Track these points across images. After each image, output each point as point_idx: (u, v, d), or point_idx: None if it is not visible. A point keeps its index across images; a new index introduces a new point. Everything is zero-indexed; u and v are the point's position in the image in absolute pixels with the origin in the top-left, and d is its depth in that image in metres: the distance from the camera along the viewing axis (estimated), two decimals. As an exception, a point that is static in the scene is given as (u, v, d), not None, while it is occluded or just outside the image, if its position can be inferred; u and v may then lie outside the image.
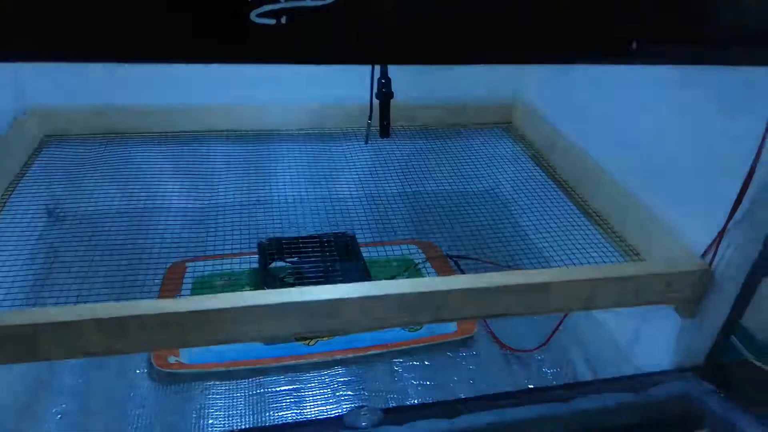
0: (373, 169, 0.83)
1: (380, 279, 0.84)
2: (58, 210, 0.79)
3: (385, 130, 0.73)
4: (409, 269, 0.92)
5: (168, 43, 0.36)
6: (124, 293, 0.82)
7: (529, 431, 0.58)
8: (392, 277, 0.87)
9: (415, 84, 0.99)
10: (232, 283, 0.86)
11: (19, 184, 0.75)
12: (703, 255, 0.65)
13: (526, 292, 0.60)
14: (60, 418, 0.65)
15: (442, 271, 0.91)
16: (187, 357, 0.73)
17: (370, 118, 0.75)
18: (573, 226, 0.77)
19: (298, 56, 0.39)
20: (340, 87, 0.95)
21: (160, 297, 0.78)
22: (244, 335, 0.54)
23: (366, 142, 0.78)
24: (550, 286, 0.60)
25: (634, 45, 0.43)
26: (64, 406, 0.67)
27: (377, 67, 0.69)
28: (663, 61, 0.47)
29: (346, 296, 0.56)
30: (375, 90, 0.70)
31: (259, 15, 0.37)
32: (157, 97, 0.92)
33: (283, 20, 0.37)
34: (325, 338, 0.78)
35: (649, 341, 0.77)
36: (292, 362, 0.74)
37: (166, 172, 0.83)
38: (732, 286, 0.63)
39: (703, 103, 0.66)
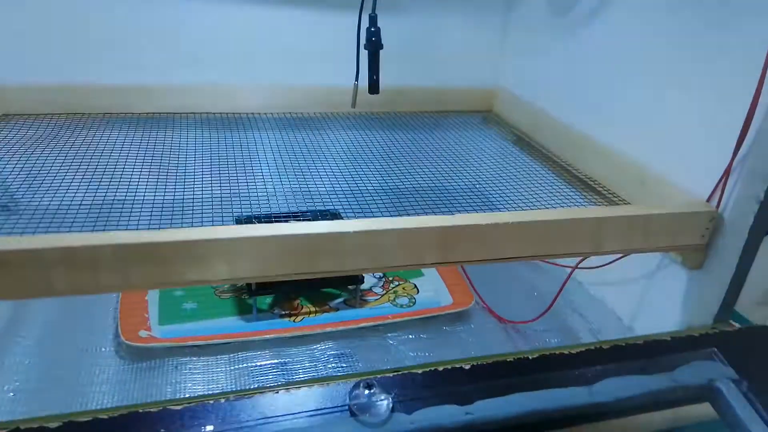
0: (355, 152, 0.79)
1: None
2: (11, 203, 0.71)
3: (374, 87, 0.70)
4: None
5: None
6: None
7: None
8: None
9: (398, 73, 0.98)
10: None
11: None
12: (708, 200, 0.63)
13: (535, 231, 0.56)
14: (13, 395, 0.57)
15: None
16: (159, 331, 0.66)
17: (356, 78, 0.72)
18: (561, 191, 0.74)
19: None
20: (320, 71, 0.94)
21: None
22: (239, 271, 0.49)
23: (353, 106, 0.74)
24: (560, 223, 0.57)
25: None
26: (17, 384, 0.58)
27: (364, 17, 0.67)
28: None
29: (346, 230, 0.51)
30: (363, 42, 0.67)
31: None
32: (124, 76, 0.88)
33: None
34: (311, 315, 0.72)
35: (653, 308, 0.74)
36: (277, 335, 0.67)
37: (132, 156, 0.76)
38: (741, 230, 0.61)
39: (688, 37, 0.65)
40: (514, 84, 1.01)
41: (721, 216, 0.62)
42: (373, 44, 0.67)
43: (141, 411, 0.46)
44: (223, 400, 0.49)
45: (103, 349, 0.64)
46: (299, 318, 0.71)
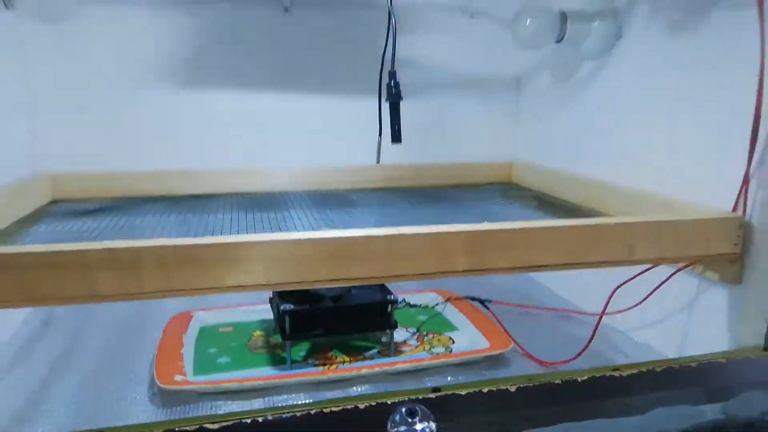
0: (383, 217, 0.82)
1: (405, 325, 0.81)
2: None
3: (396, 136, 0.75)
4: (429, 311, 0.88)
5: None
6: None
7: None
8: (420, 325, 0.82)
9: (421, 151, 1.04)
10: (240, 330, 0.80)
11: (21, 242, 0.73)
12: (734, 210, 0.63)
13: (565, 237, 0.57)
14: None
15: (464, 308, 0.86)
16: (193, 374, 0.65)
17: (380, 134, 0.77)
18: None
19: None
20: (345, 151, 1.00)
21: (161, 343, 0.72)
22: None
23: (378, 161, 0.78)
24: (586, 230, 0.58)
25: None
26: (49, 428, 0.57)
27: (384, 74, 0.73)
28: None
29: (374, 234, 0.52)
30: (384, 94, 0.73)
31: None
32: (163, 162, 0.95)
33: None
34: (346, 362, 0.71)
35: (701, 339, 0.71)
36: (311, 378, 0.66)
37: (168, 232, 0.80)
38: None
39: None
40: (530, 153, 1.06)
41: (750, 223, 0.62)
42: (394, 96, 0.72)
43: (177, 429, 0.45)
44: (260, 419, 0.47)
45: (137, 397, 0.63)
46: (334, 366, 0.70)
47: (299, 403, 0.58)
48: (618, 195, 0.80)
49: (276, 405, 0.63)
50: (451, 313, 0.86)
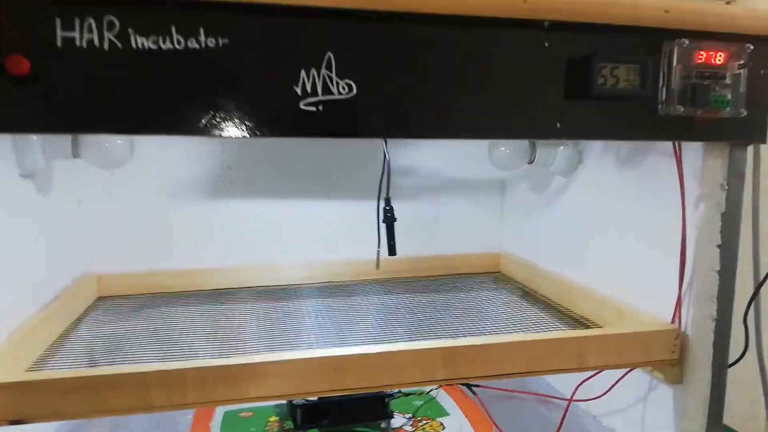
0: (383, 311, 0.95)
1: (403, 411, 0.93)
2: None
3: (392, 249, 0.89)
4: (424, 396, 0.99)
5: (255, 124, 0.55)
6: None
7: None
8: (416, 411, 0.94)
9: (414, 244, 1.18)
10: (258, 415, 0.92)
11: (68, 338, 0.86)
12: (672, 321, 0.76)
13: (526, 350, 0.70)
14: None
15: (454, 393, 0.98)
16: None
17: (378, 245, 0.91)
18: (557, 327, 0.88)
19: (330, 132, 0.58)
20: (350, 247, 1.14)
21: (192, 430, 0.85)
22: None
23: (377, 267, 0.92)
24: (544, 344, 0.70)
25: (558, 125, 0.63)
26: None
27: (382, 201, 0.88)
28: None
29: (366, 352, 0.66)
30: (381, 216, 0.88)
31: (306, 104, 0.56)
32: (191, 262, 1.09)
33: (321, 108, 0.56)
34: (349, 448, 0.83)
35: (654, 427, 0.82)
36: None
37: (197, 323, 0.93)
38: (705, 346, 0.72)
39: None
40: (516, 246, 1.20)
41: (686, 333, 0.74)
42: (389, 219, 0.87)
43: None
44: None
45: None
46: (338, 450, 0.82)
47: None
48: (583, 296, 0.92)
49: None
50: (443, 397, 0.98)
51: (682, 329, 0.75)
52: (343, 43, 0.56)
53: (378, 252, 0.91)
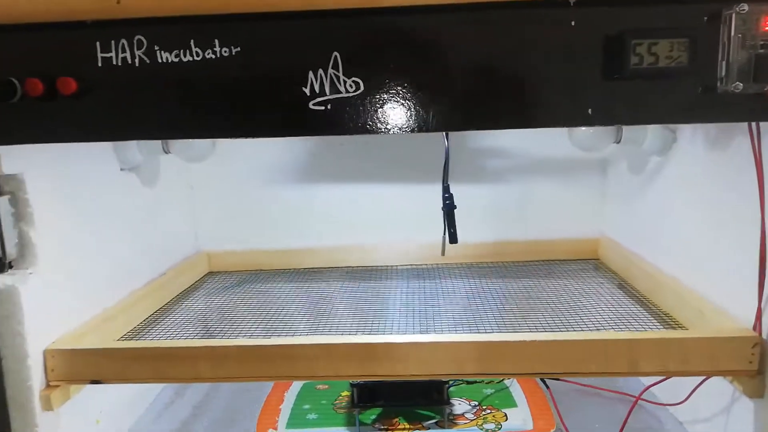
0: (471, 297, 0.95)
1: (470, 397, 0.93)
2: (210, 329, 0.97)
3: (452, 237, 0.88)
4: (497, 384, 0.98)
5: (258, 124, 0.59)
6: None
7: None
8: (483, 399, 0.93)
9: (502, 227, 1.15)
10: (333, 389, 0.98)
11: (183, 303, 0.99)
12: (754, 328, 0.66)
13: (563, 350, 0.66)
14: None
15: (526, 384, 0.95)
16: (281, 429, 0.85)
17: (444, 233, 0.90)
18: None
19: (339, 130, 0.59)
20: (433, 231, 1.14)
21: (268, 398, 0.93)
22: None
23: (443, 254, 0.92)
24: (589, 344, 0.66)
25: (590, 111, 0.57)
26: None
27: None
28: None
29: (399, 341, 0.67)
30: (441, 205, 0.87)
31: (314, 104, 0.58)
32: (290, 242, 1.18)
33: (329, 107, 0.58)
34: (405, 429, 0.85)
35: None
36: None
37: (292, 301, 1.00)
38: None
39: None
40: (616, 231, 1.10)
41: (766, 342, 0.65)
42: (448, 206, 0.86)
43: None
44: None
45: (243, 442, 0.85)
46: (394, 431, 0.84)
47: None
48: (671, 291, 0.83)
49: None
50: (516, 388, 0.95)
51: (765, 337, 0.65)
52: (349, 41, 0.57)
53: (443, 239, 0.90)
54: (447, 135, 0.85)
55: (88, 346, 0.70)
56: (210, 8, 0.56)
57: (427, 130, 0.58)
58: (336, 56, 0.57)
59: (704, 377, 0.72)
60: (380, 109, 0.58)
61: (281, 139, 1.15)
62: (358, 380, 0.85)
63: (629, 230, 1.05)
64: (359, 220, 1.17)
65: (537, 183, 1.15)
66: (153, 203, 1.01)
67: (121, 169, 0.89)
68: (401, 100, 0.58)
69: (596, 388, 0.94)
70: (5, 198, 0.66)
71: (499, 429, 0.85)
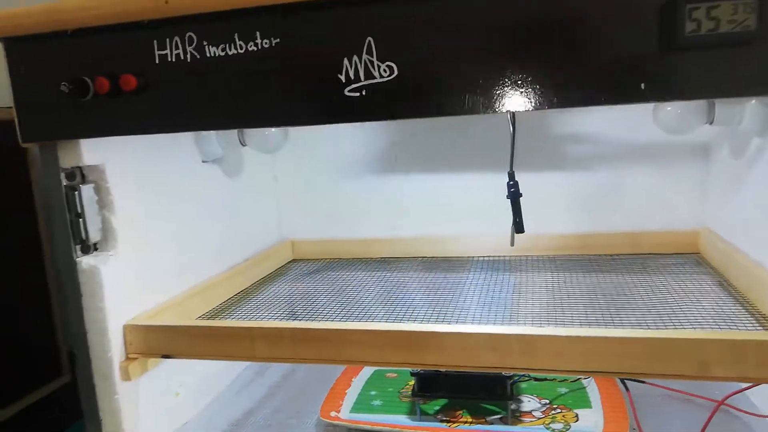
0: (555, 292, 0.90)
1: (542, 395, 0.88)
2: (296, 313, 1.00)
3: (519, 226, 0.84)
4: (574, 384, 0.92)
5: (297, 112, 0.60)
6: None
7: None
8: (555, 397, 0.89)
9: (589, 217, 1.08)
10: (401, 378, 0.98)
11: (274, 287, 1.03)
12: None
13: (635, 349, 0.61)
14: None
15: (605, 385, 0.89)
16: (344, 413, 0.87)
17: (513, 223, 0.87)
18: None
19: (375, 115, 0.59)
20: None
21: (336, 382, 0.95)
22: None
23: (512, 244, 0.88)
24: (660, 342, 0.60)
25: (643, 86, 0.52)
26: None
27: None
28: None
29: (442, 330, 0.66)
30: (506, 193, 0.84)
31: (350, 90, 0.58)
32: (371, 231, 1.19)
33: (364, 93, 0.58)
34: (467, 424, 0.83)
35: None
36: (430, 432, 0.81)
37: (370, 288, 1.01)
38: None
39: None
40: (718, 223, 1.00)
41: None
42: (513, 194, 0.82)
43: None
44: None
45: (308, 422, 0.87)
46: (455, 424, 0.83)
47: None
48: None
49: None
50: (593, 388, 0.89)
51: None
52: (382, 26, 0.57)
53: (512, 229, 0.87)
54: (513, 120, 0.81)
55: (161, 323, 0.76)
56: (247, 1, 0.58)
57: (462, 113, 0.57)
58: (370, 41, 0.57)
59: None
60: (414, 93, 0.57)
61: (362, 130, 1.17)
62: (419, 369, 0.84)
63: (730, 221, 0.94)
64: (438, 210, 1.16)
65: (630, 170, 1.07)
66: (238, 193, 1.07)
67: (203, 161, 0.95)
68: (435, 83, 0.57)
69: (683, 392, 0.86)
70: (89, 186, 0.73)
71: (568, 429, 0.80)
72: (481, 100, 0.56)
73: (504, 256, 1.12)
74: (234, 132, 0.95)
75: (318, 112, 0.60)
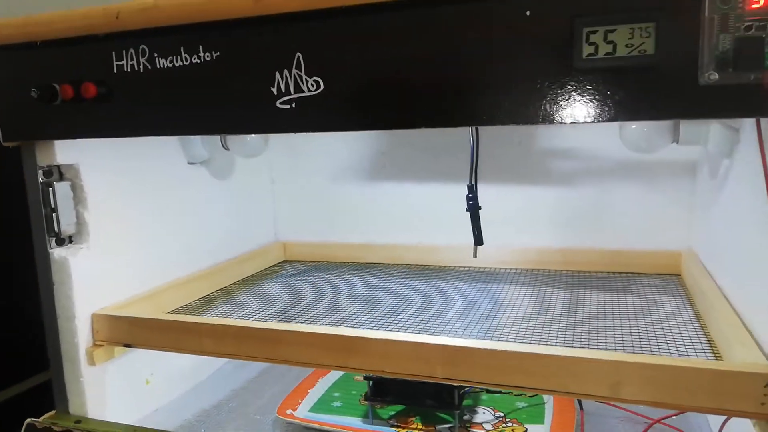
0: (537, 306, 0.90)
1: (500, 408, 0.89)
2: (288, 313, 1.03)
3: (477, 239, 0.85)
4: (535, 399, 0.92)
5: (235, 122, 0.64)
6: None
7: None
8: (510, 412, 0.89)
9: (572, 234, 1.07)
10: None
11: (260, 286, 1.07)
12: (778, 363, 0.55)
13: (541, 364, 0.61)
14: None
15: (562, 403, 0.88)
16: (301, 412, 0.89)
17: (473, 235, 0.88)
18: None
19: (304, 127, 0.62)
20: (494, 234, 1.10)
21: (301, 382, 0.98)
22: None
23: (474, 256, 0.89)
24: (574, 361, 0.60)
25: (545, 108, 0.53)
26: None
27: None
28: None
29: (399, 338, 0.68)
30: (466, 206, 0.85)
31: (281, 103, 0.62)
32: (359, 236, 1.22)
33: (294, 105, 0.61)
34: (417, 429, 0.85)
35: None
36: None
37: (358, 291, 1.04)
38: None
39: None
40: (696, 244, 0.97)
41: (788, 382, 0.53)
42: (471, 206, 0.84)
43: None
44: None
45: (267, 421, 0.91)
46: (405, 430, 0.85)
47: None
48: (717, 313, 0.72)
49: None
50: (550, 405, 0.89)
51: (787, 375, 0.54)
52: (309, 42, 0.60)
53: (474, 241, 0.88)
54: (475, 134, 0.82)
55: (125, 314, 0.81)
56: (190, 17, 0.62)
57: (375, 128, 0.59)
58: (299, 57, 0.60)
59: (726, 417, 0.62)
60: (340, 107, 0.60)
61: (354, 139, 1.20)
62: (372, 374, 0.86)
63: (706, 242, 0.92)
64: (424, 219, 1.17)
65: (617, 187, 1.05)
66: (230, 195, 1.12)
67: (189, 163, 1.01)
68: (358, 98, 0.59)
69: (640, 415, 0.84)
70: (65, 183, 0.79)
71: (513, 444, 0.81)
72: (398, 116, 0.58)
73: (488, 268, 1.13)
74: (217, 136, 1.00)
75: (253, 122, 0.64)
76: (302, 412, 0.90)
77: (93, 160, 0.81)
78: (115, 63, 0.68)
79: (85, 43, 0.68)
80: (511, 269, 1.11)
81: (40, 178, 0.78)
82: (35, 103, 0.70)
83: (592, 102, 0.51)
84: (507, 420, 0.87)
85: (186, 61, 0.65)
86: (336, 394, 0.97)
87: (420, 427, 0.85)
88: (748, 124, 0.71)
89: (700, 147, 0.88)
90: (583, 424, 0.82)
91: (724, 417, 0.65)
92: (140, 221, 0.90)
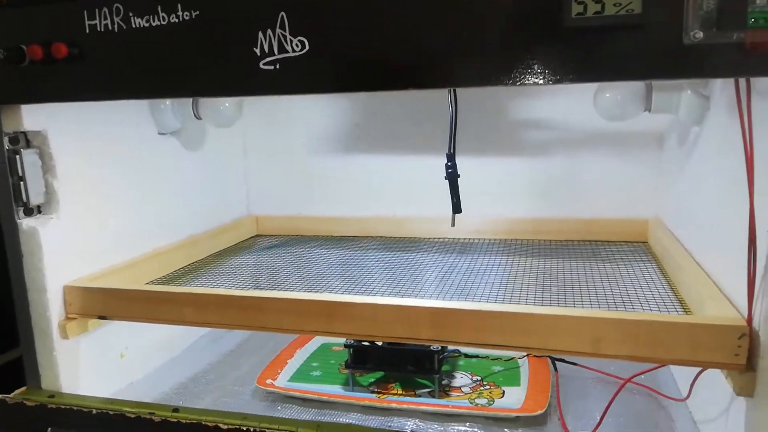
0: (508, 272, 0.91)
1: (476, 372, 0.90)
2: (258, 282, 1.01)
3: (456, 207, 0.86)
4: (509, 363, 0.94)
5: (216, 83, 0.62)
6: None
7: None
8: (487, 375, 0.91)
9: (545, 203, 1.10)
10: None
11: (233, 259, 1.06)
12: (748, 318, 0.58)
13: (521, 322, 0.63)
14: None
15: (537, 366, 0.90)
16: (281, 381, 0.89)
17: (452, 203, 0.88)
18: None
19: (288, 89, 0.61)
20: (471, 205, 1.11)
21: (280, 352, 0.98)
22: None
23: (452, 225, 0.90)
24: (546, 319, 0.62)
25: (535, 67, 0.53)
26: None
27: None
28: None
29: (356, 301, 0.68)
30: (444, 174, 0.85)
31: (264, 64, 0.60)
32: (333, 209, 1.22)
33: (278, 66, 0.60)
34: (396, 395, 0.86)
35: None
36: (361, 402, 0.83)
37: (332, 264, 1.03)
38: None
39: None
40: (663, 211, 1.01)
41: (757, 333, 0.56)
42: (450, 175, 0.84)
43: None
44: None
45: (246, 392, 0.90)
46: (385, 396, 0.85)
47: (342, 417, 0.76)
48: (687, 275, 0.75)
49: (326, 418, 0.82)
50: (525, 368, 0.91)
51: (757, 327, 0.57)
52: (293, 1, 0.58)
53: (453, 210, 0.88)
54: (454, 101, 0.82)
55: (98, 285, 0.79)
56: (168, -26, 0.60)
57: (362, 90, 0.58)
58: (283, 16, 0.59)
59: (701, 370, 0.65)
60: (325, 69, 0.59)
61: (328, 109, 1.19)
62: (352, 341, 0.87)
63: (673, 210, 0.95)
64: (401, 191, 1.18)
65: (587, 157, 1.08)
66: (201, 166, 1.10)
67: (160, 133, 0.98)
68: (345, 59, 0.58)
69: (611, 375, 0.87)
70: (32, 151, 0.76)
71: (491, 404, 0.82)
72: (387, 77, 0.58)
73: (462, 239, 1.14)
74: (188, 105, 0.98)
75: (235, 84, 0.62)
76: (282, 381, 0.90)
77: (62, 126, 0.78)
78: (87, 22, 0.65)
79: (55, 2, 0.65)
80: (484, 239, 1.13)
81: (6, 145, 0.74)
82: (1, 64, 0.67)
83: (581, 61, 0.52)
84: (484, 383, 0.89)
85: (163, 20, 0.63)
86: (315, 364, 0.97)
87: (400, 392, 0.87)
88: (718, 89, 0.73)
89: (669, 116, 0.90)
90: (558, 384, 0.85)
91: (693, 374, 0.69)
92: (111, 191, 0.88)
